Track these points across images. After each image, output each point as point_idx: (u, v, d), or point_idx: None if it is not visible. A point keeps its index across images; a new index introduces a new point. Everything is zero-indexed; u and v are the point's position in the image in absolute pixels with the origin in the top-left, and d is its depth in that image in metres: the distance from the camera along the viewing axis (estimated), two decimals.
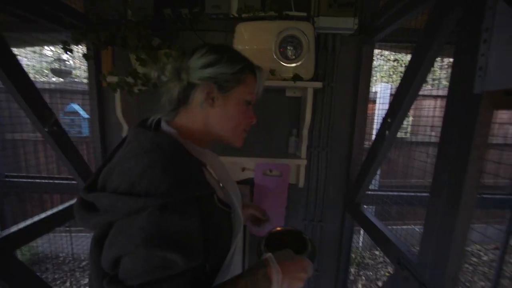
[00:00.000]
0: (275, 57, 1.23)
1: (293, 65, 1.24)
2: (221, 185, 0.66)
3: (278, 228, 0.76)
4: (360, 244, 2.81)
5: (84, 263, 2.69)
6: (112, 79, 1.21)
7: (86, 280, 2.41)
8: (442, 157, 0.73)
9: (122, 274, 0.44)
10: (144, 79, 1.22)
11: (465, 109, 0.65)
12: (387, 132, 1.03)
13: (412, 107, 0.95)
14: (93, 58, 1.37)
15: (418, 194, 1.60)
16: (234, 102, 0.60)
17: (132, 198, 0.43)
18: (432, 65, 0.85)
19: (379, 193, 1.58)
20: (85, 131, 2.38)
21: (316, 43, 1.28)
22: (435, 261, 0.74)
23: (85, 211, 0.48)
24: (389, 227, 1.14)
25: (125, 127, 1.37)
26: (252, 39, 1.25)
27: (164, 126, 0.59)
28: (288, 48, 1.24)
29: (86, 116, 2.36)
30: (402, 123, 1.00)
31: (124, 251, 0.43)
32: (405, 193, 1.57)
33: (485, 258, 2.92)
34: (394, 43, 1.47)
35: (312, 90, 1.29)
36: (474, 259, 2.96)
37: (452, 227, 0.68)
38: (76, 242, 2.58)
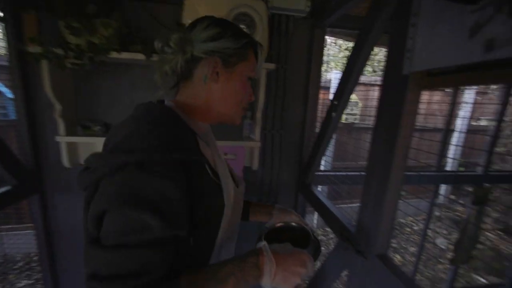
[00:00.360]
0: None
1: None
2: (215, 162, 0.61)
3: (280, 224, 0.71)
4: (315, 222, 3.02)
5: (20, 264, 2.39)
6: (36, 48, 1.04)
7: (23, 283, 2.15)
8: (376, 137, 0.79)
9: (101, 234, 0.43)
10: (77, 52, 1.07)
11: (395, 90, 0.70)
12: (333, 113, 1.08)
13: (362, 95, 1.01)
14: (11, 22, 1.14)
15: (363, 173, 1.75)
16: (238, 78, 0.58)
17: (113, 154, 0.43)
18: (371, 50, 0.90)
19: (327, 173, 1.68)
20: (13, 114, 2.05)
21: (270, 24, 1.26)
22: (369, 231, 0.81)
23: (79, 174, 0.48)
24: (340, 205, 1.22)
25: (58, 107, 1.19)
26: (203, 14, 1.17)
27: (168, 102, 0.58)
28: (241, 26, 1.20)
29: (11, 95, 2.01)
30: (346, 105, 1.05)
31: (101, 209, 0.42)
32: (351, 173, 1.69)
33: (416, 228, 3.39)
34: (344, 29, 1.52)
35: (265, 71, 1.28)
36: (408, 229, 3.42)
37: (382, 201, 0.75)
38: (9, 242, 2.28)
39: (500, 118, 1.79)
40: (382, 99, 0.76)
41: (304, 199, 1.55)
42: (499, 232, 2.85)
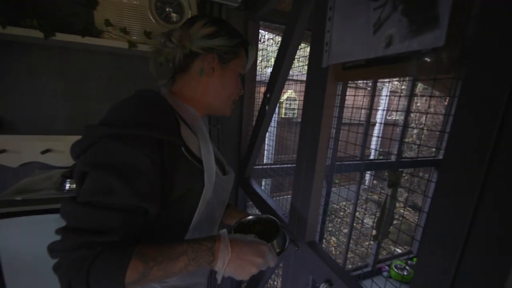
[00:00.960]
0: (151, 17, 1.06)
1: (171, 26, 1.10)
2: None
3: (251, 217, 0.72)
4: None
5: None
6: None
7: None
8: (302, 129, 0.81)
9: (79, 192, 0.47)
10: None
11: (317, 83, 0.72)
12: (266, 107, 1.08)
13: (299, 92, 1.02)
14: None
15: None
16: (230, 73, 0.64)
17: (98, 127, 0.48)
18: (298, 45, 0.91)
19: (267, 167, 1.71)
20: None
21: (200, 11, 1.18)
22: (300, 220, 0.83)
23: (73, 144, 0.52)
24: (284, 197, 1.23)
25: None
26: None
27: (165, 93, 0.63)
28: (168, 10, 1.09)
29: None
30: (279, 98, 1.06)
31: (79, 171, 0.47)
32: (288, 165, 1.75)
33: (348, 211, 3.81)
34: (277, 25, 1.55)
35: None
36: (341, 213, 3.81)
37: (309, 190, 0.77)
38: None
39: (406, 113, 2.12)
40: (306, 93, 0.78)
41: (244, 193, 1.54)
42: (408, 208, 3.41)
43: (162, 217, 0.54)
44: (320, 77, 0.71)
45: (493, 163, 0.34)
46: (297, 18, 0.84)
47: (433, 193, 0.41)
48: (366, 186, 3.99)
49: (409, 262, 2.36)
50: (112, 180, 0.44)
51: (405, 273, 2.24)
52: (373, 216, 3.62)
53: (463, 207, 0.37)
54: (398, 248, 2.73)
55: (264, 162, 2.23)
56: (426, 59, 0.45)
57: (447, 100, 3.25)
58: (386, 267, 2.36)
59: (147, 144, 0.48)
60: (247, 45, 0.67)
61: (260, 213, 0.80)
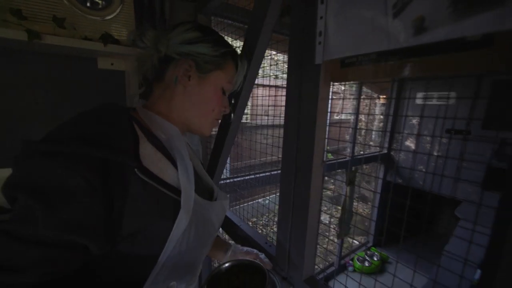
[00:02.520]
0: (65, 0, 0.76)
1: (101, 18, 0.82)
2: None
3: (228, 264, 0.56)
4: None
5: None
6: None
7: None
8: (288, 136, 0.66)
9: None
10: None
11: (309, 85, 0.58)
12: (232, 114, 0.90)
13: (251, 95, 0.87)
14: None
15: (263, 174, 1.72)
16: (210, 86, 0.57)
17: (29, 142, 0.40)
18: (265, 46, 0.76)
19: (228, 181, 1.54)
20: None
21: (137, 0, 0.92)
22: (293, 253, 0.68)
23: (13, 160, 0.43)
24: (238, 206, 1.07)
25: None
26: None
27: (138, 107, 0.55)
28: None
29: None
30: (246, 104, 0.89)
31: (5, 192, 0.39)
32: (249, 177, 1.62)
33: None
34: (230, 21, 1.38)
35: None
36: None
37: (305, 216, 0.62)
38: None
39: (356, 113, 2.22)
40: (288, 98, 0.63)
41: None
42: (359, 200, 3.67)
43: (116, 252, 0.44)
44: (311, 76, 0.57)
45: None
46: (267, 9, 0.69)
47: None
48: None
49: (368, 252, 2.49)
50: (34, 206, 0.36)
51: (366, 264, 2.35)
52: (328, 211, 3.78)
53: None
54: (355, 240, 2.87)
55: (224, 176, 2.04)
56: (475, 48, 0.35)
57: (381, 100, 3.60)
58: (350, 262, 2.44)
59: (85, 164, 0.39)
60: (237, 58, 0.60)
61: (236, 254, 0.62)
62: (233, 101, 0.91)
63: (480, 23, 0.32)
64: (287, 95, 0.66)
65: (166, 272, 0.49)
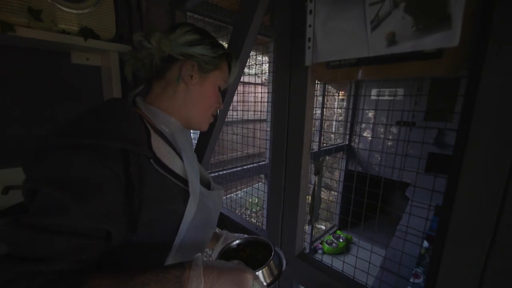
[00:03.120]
0: None
1: (79, 11, 0.79)
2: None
3: (237, 241, 0.62)
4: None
5: None
6: None
7: None
8: (276, 130, 0.73)
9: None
10: None
11: (299, 83, 0.66)
12: (218, 110, 0.94)
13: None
14: None
15: (243, 168, 1.78)
16: (209, 84, 0.60)
17: (51, 136, 0.41)
18: (251, 47, 0.82)
19: (213, 174, 1.57)
20: None
21: None
22: (285, 232, 0.76)
23: (24, 156, 0.44)
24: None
25: None
26: None
27: (138, 103, 0.57)
28: None
29: None
30: (231, 100, 0.94)
31: (28, 188, 0.41)
32: (228, 171, 1.67)
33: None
34: (207, 18, 1.40)
35: (118, 56, 0.92)
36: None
37: (296, 197, 0.70)
38: None
39: (322, 107, 2.40)
40: (276, 95, 0.70)
41: None
42: (324, 188, 3.96)
43: (131, 241, 0.46)
44: (300, 76, 0.65)
45: None
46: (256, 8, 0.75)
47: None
48: None
49: (335, 235, 2.75)
50: (64, 198, 0.38)
51: (334, 245, 2.59)
52: None
53: None
54: (322, 225, 3.13)
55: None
56: (430, 59, 0.46)
57: (340, 95, 3.90)
58: (320, 245, 2.66)
59: (108, 155, 0.41)
60: (230, 59, 0.64)
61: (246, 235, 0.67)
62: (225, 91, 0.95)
63: (435, 40, 0.43)
64: (275, 92, 0.73)
65: (180, 254, 0.54)
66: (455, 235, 0.44)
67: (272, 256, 0.53)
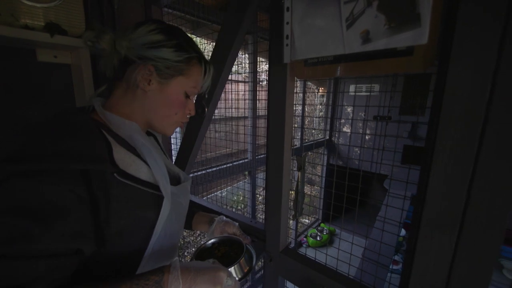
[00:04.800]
0: None
1: (44, 5, 0.74)
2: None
3: (213, 240, 0.67)
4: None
5: None
6: None
7: None
8: (271, 125, 0.73)
9: None
10: None
11: (278, 80, 0.66)
12: (206, 109, 0.93)
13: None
14: None
15: (227, 165, 1.77)
16: (171, 92, 0.55)
17: (5, 163, 0.39)
18: (239, 47, 0.82)
19: (198, 173, 1.55)
20: None
21: None
22: (271, 228, 0.77)
23: None
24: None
25: None
26: None
27: (96, 105, 0.53)
28: None
29: None
30: (219, 99, 0.93)
31: None
32: (214, 169, 1.65)
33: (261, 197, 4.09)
34: (184, 14, 1.36)
35: (89, 53, 0.87)
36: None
37: (279, 195, 0.71)
38: None
39: (302, 103, 2.44)
40: (269, 91, 0.70)
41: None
42: (307, 184, 4.04)
43: (102, 253, 0.47)
44: (280, 74, 0.65)
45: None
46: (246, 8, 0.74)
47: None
48: None
49: (318, 228, 2.82)
50: (28, 226, 0.38)
51: (318, 238, 2.65)
52: None
53: None
54: (307, 219, 3.20)
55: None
56: (401, 56, 0.48)
57: (320, 91, 3.97)
58: (304, 239, 2.71)
59: (69, 178, 0.41)
60: (203, 63, 0.58)
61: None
62: (206, 96, 0.93)
63: (406, 38, 0.45)
64: (268, 91, 0.71)
65: (154, 257, 0.54)
66: (428, 223, 0.47)
67: (243, 254, 0.58)
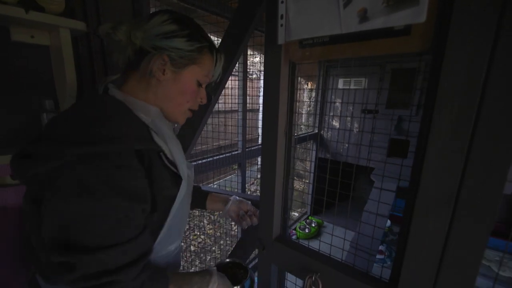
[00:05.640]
0: None
1: None
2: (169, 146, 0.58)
3: (227, 260, 0.80)
4: None
5: None
6: None
7: None
8: (265, 110, 0.71)
9: (75, 235, 0.42)
10: None
11: (273, 63, 0.64)
12: (213, 96, 0.90)
13: None
14: None
15: (221, 156, 1.74)
16: (184, 80, 0.58)
17: (74, 144, 0.42)
18: (248, 39, 0.80)
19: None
20: None
21: None
22: (265, 215, 0.75)
23: (16, 161, 0.45)
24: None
25: None
26: None
27: (112, 91, 0.56)
28: None
29: None
30: (224, 87, 0.92)
31: (67, 209, 0.42)
32: (205, 160, 1.63)
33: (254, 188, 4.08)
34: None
35: (69, 33, 0.82)
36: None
37: (272, 182, 0.70)
38: None
39: (292, 100, 2.43)
40: (265, 76, 0.68)
41: None
42: (295, 177, 4.07)
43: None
44: (274, 56, 0.63)
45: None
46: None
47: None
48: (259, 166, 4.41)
49: (307, 221, 2.84)
50: (125, 205, 0.44)
51: (306, 230, 2.68)
52: None
53: None
54: (295, 212, 3.22)
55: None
56: (398, 36, 0.47)
57: (309, 85, 3.98)
58: (293, 231, 2.74)
59: (133, 158, 0.47)
60: (214, 52, 0.61)
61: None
62: (213, 84, 0.91)
63: (403, 16, 0.44)
64: (264, 76, 0.69)
65: (165, 238, 0.59)
66: (421, 206, 0.47)
67: (247, 278, 0.73)
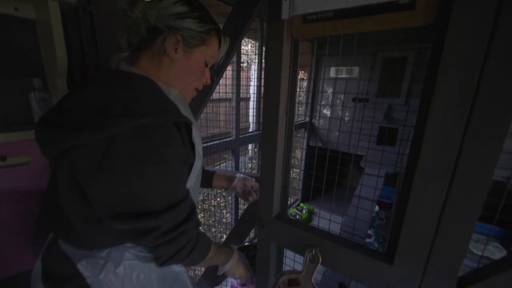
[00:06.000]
0: None
1: None
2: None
3: (246, 243, 0.97)
4: None
5: None
6: None
7: None
8: (266, 88, 0.70)
9: (139, 201, 0.47)
10: None
11: (275, 39, 0.64)
12: (215, 78, 0.89)
13: None
14: None
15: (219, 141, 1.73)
16: (194, 60, 0.61)
17: (128, 116, 0.44)
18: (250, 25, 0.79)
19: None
20: None
21: None
22: (265, 194, 0.76)
23: (60, 132, 0.44)
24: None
25: None
26: None
27: (125, 68, 0.59)
28: None
29: None
30: (225, 69, 0.91)
31: (131, 177, 0.45)
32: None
33: None
34: None
35: (59, 8, 0.77)
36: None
37: (273, 160, 0.70)
38: None
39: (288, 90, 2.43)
40: (266, 54, 0.67)
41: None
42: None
43: None
44: (277, 32, 0.62)
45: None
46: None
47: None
48: (250, 155, 4.42)
49: (298, 207, 2.91)
50: (178, 168, 0.54)
51: (297, 217, 2.75)
52: None
53: None
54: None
55: None
56: (403, 10, 0.48)
57: (301, 74, 3.99)
58: None
59: (173, 129, 0.52)
60: (220, 35, 0.64)
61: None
62: (215, 66, 0.90)
63: None
64: (265, 54, 0.69)
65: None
66: (420, 176, 0.49)
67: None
